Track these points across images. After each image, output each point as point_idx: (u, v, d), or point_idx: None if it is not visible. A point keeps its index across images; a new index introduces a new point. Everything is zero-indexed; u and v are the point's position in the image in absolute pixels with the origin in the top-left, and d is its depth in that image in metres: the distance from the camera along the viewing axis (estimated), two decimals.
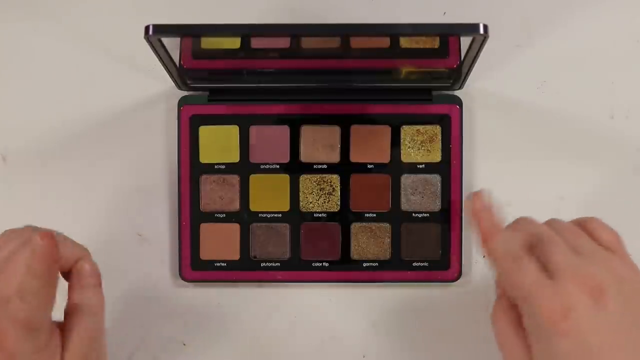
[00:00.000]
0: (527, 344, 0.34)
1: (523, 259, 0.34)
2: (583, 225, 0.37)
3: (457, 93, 0.47)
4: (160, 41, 0.38)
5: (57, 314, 0.37)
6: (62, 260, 0.38)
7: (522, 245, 0.36)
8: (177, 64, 0.46)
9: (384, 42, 0.46)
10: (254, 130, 0.47)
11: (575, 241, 0.36)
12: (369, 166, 0.47)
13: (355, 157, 0.47)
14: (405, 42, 0.46)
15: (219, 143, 0.47)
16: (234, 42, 0.46)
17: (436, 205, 0.47)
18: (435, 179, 0.47)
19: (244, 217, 0.47)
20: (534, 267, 0.34)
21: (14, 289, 0.35)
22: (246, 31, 0.40)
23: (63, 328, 0.37)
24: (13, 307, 0.34)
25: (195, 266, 0.47)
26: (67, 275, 0.39)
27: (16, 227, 0.40)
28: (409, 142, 0.47)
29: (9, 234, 0.39)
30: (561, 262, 0.34)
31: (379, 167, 0.47)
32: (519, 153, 0.48)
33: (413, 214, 0.47)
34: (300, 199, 0.47)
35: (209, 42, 0.46)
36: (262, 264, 0.47)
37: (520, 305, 0.34)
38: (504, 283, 0.36)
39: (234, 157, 0.47)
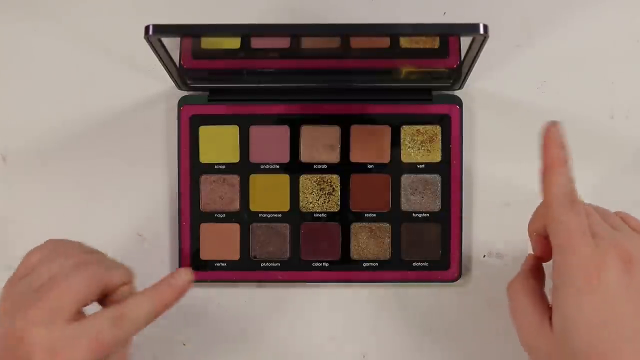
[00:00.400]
0: (542, 314, 0.36)
1: (580, 204, 0.36)
2: (613, 213, 0.40)
3: (457, 93, 0.47)
4: (160, 41, 0.38)
5: None
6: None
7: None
8: (177, 64, 0.46)
9: (384, 42, 0.46)
10: (254, 130, 0.47)
11: (607, 217, 0.38)
12: (369, 166, 0.47)
13: (355, 157, 0.47)
14: (405, 42, 0.46)
15: (219, 143, 0.47)
16: (234, 42, 0.46)
17: (436, 205, 0.47)
18: (435, 179, 0.47)
19: (244, 217, 0.47)
20: (585, 217, 0.36)
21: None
22: (246, 31, 0.40)
23: None
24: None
25: (195, 266, 0.47)
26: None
27: (58, 239, 0.39)
28: (409, 142, 0.47)
29: (53, 248, 0.38)
30: (600, 229, 0.36)
31: (379, 167, 0.47)
32: (519, 153, 0.48)
33: (413, 214, 0.47)
34: (300, 199, 0.47)
35: (209, 42, 0.46)
36: (262, 264, 0.47)
37: (559, 253, 0.35)
38: (548, 220, 0.36)
39: (234, 157, 0.47)
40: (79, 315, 0.35)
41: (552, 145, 0.37)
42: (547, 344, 0.36)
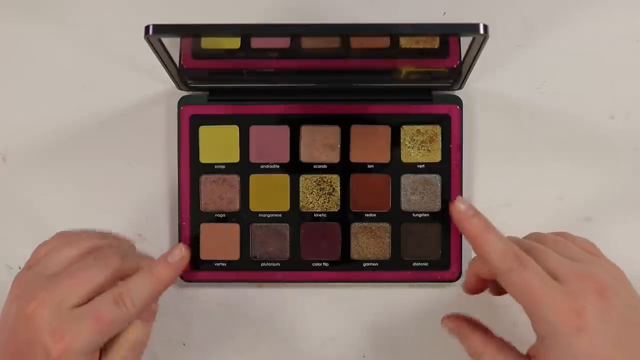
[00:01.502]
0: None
1: (527, 258, 0.35)
2: (561, 236, 0.39)
3: (457, 93, 0.47)
4: (160, 41, 0.38)
5: None
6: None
7: (519, 247, 0.36)
8: (177, 64, 0.46)
9: (384, 42, 0.46)
10: (254, 130, 0.47)
11: (563, 249, 0.37)
12: (369, 166, 0.47)
13: (355, 157, 0.47)
14: (405, 42, 0.46)
15: (219, 143, 0.47)
16: (234, 42, 0.46)
17: (436, 205, 0.47)
18: (435, 179, 0.47)
19: (244, 217, 0.47)
20: (539, 267, 0.34)
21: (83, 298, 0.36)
22: (246, 31, 0.40)
23: None
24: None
25: (195, 266, 0.47)
26: None
27: (66, 231, 0.41)
28: (409, 142, 0.47)
29: (62, 238, 0.40)
30: (560, 267, 0.35)
31: (379, 167, 0.47)
32: (519, 153, 0.48)
33: (413, 214, 0.47)
34: (300, 199, 0.47)
35: (209, 42, 0.46)
36: (262, 264, 0.47)
37: (530, 309, 0.34)
38: (504, 284, 0.35)
39: (234, 157, 0.47)
40: (87, 300, 0.36)
41: (465, 220, 0.37)
42: None
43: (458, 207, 0.37)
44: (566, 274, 0.34)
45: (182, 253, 0.38)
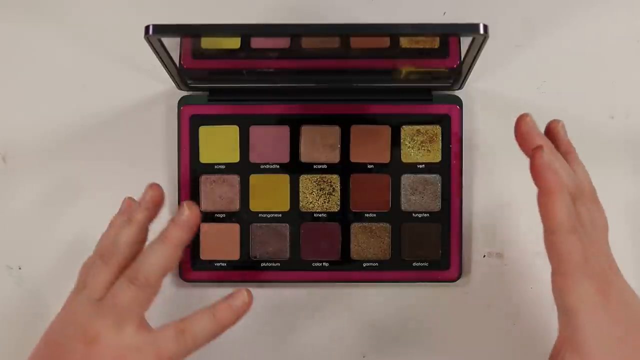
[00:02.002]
0: None
1: (578, 226, 0.35)
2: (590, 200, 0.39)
3: (457, 93, 0.47)
4: (160, 41, 0.38)
5: None
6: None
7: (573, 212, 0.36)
8: (177, 64, 0.46)
9: (384, 42, 0.46)
10: (254, 130, 0.47)
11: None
12: (369, 166, 0.47)
13: (355, 157, 0.47)
14: (405, 42, 0.46)
15: (219, 143, 0.47)
16: (234, 42, 0.46)
17: (436, 205, 0.47)
18: (435, 179, 0.47)
19: (244, 217, 0.47)
20: (583, 242, 0.35)
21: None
22: (246, 31, 0.40)
23: None
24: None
25: (195, 266, 0.47)
26: None
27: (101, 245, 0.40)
28: (409, 142, 0.47)
29: (97, 257, 0.39)
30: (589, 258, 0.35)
31: (379, 167, 0.47)
32: (519, 153, 0.48)
33: (413, 214, 0.47)
34: (300, 199, 0.47)
35: (209, 42, 0.46)
36: (262, 264, 0.47)
37: (564, 275, 0.35)
38: (551, 246, 0.35)
39: (234, 157, 0.47)
40: (144, 321, 0.37)
41: (545, 172, 0.35)
42: None
43: (545, 156, 0.35)
44: (594, 247, 0.36)
45: (246, 298, 0.38)
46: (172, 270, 0.37)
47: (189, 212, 0.37)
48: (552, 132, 0.39)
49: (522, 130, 0.38)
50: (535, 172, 0.35)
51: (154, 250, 0.37)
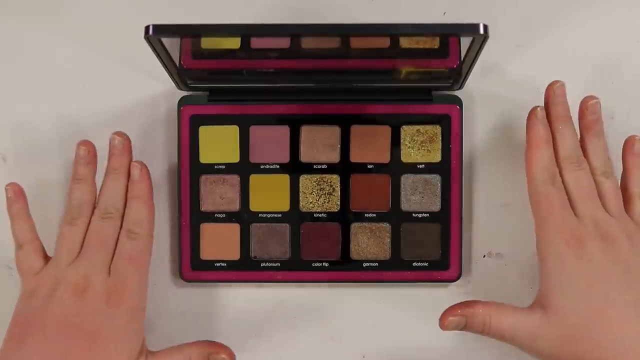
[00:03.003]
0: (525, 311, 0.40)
1: (560, 182, 0.40)
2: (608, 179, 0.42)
3: (457, 93, 0.47)
4: (160, 41, 0.38)
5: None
6: None
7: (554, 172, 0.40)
8: (177, 64, 0.46)
9: (384, 42, 0.46)
10: (254, 130, 0.47)
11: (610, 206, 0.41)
12: (369, 166, 0.47)
13: (355, 157, 0.47)
14: (405, 42, 0.46)
15: (219, 143, 0.47)
16: (234, 42, 0.46)
17: (436, 205, 0.47)
18: (435, 179, 0.47)
19: (244, 217, 0.47)
20: (564, 193, 0.39)
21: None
22: (246, 31, 0.40)
23: None
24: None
25: (195, 266, 0.47)
26: None
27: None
28: (409, 142, 0.47)
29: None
30: (585, 209, 0.39)
31: (379, 167, 0.47)
32: (519, 153, 0.48)
33: (413, 214, 0.47)
34: (300, 199, 0.47)
35: (209, 42, 0.46)
36: (262, 264, 0.47)
37: (539, 223, 0.40)
38: (531, 194, 0.40)
39: (234, 157, 0.47)
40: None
41: (533, 125, 0.40)
42: (537, 326, 0.38)
43: (539, 113, 0.41)
44: (585, 212, 0.39)
45: (139, 169, 0.43)
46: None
47: (121, 138, 0.44)
48: (581, 107, 0.43)
49: (546, 95, 0.43)
50: (527, 125, 0.41)
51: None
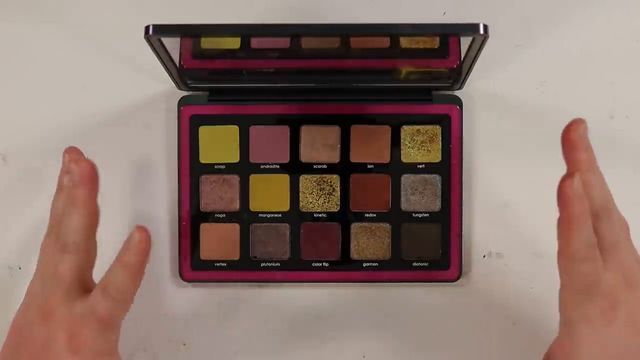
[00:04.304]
0: None
1: (598, 254, 0.35)
2: (607, 211, 0.38)
3: (457, 93, 0.47)
4: (160, 41, 0.38)
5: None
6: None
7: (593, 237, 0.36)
8: (177, 64, 0.46)
9: (384, 42, 0.46)
10: (254, 130, 0.47)
11: (612, 228, 0.37)
12: (369, 166, 0.47)
13: (355, 157, 0.47)
14: (405, 42, 0.46)
15: (219, 143, 0.47)
16: (234, 42, 0.46)
17: (436, 205, 0.47)
18: (435, 179, 0.47)
19: (244, 217, 0.47)
20: (598, 258, 0.35)
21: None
22: (246, 31, 0.40)
23: None
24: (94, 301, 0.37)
25: (195, 266, 0.47)
26: None
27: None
28: (409, 142, 0.47)
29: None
30: (613, 259, 0.36)
31: (379, 167, 0.47)
32: (519, 153, 0.48)
33: (413, 214, 0.47)
34: (300, 199, 0.47)
35: (209, 42, 0.46)
36: (262, 264, 0.47)
37: (574, 294, 0.36)
38: (564, 268, 0.36)
39: (234, 157, 0.47)
40: (88, 288, 0.38)
41: (571, 201, 0.34)
42: None
43: (575, 186, 0.34)
44: (614, 262, 0.36)
45: (139, 235, 0.37)
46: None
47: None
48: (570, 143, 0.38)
49: (570, 138, 0.37)
50: (561, 198, 0.35)
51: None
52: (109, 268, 0.38)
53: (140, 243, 0.37)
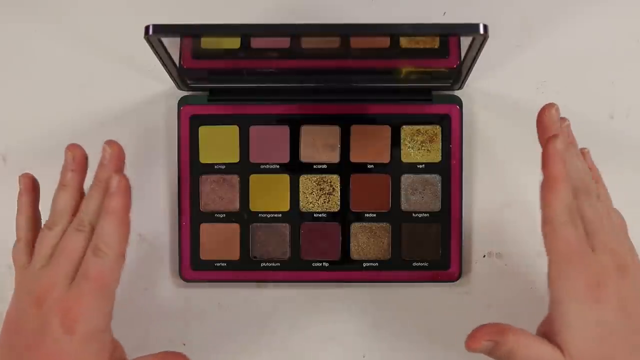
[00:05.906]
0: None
1: (577, 219, 0.36)
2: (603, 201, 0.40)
3: (457, 93, 0.47)
4: (160, 41, 0.38)
5: None
6: None
7: (572, 206, 0.37)
8: (177, 64, 0.46)
9: (384, 42, 0.46)
10: (254, 130, 0.47)
11: (605, 217, 0.38)
12: (369, 166, 0.47)
13: (355, 157, 0.47)
14: (405, 42, 0.46)
15: (219, 143, 0.47)
16: (234, 42, 0.46)
17: (436, 205, 0.47)
18: (435, 179, 0.47)
19: (244, 217, 0.47)
20: (581, 228, 0.36)
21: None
22: (246, 31, 0.40)
23: None
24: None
25: (195, 266, 0.47)
26: None
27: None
28: (409, 142, 0.47)
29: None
30: (596, 233, 0.37)
31: (379, 167, 0.47)
32: (519, 153, 0.48)
33: (413, 214, 0.47)
34: (300, 199, 0.47)
35: (209, 42, 0.46)
36: (262, 264, 0.47)
37: (557, 266, 0.36)
38: (547, 234, 0.37)
39: (234, 157, 0.47)
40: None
41: (554, 160, 0.36)
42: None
43: (558, 145, 0.36)
44: (598, 239, 0.36)
45: (117, 179, 0.38)
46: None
47: (119, 182, 0.38)
48: (544, 122, 0.39)
49: (544, 121, 0.39)
50: (545, 159, 0.37)
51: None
52: (98, 224, 0.38)
53: (119, 182, 0.38)
